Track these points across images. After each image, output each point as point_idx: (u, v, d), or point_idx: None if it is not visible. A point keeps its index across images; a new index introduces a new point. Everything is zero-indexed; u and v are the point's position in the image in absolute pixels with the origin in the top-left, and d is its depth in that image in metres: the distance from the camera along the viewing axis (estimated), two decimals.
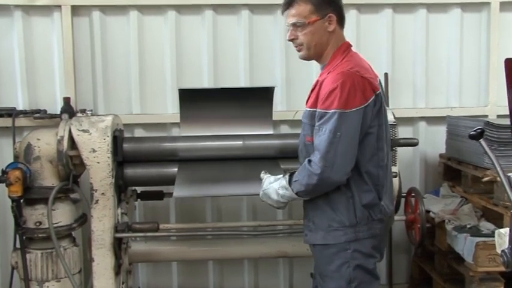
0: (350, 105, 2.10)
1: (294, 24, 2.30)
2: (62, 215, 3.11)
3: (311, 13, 2.25)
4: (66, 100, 3.79)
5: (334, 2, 2.29)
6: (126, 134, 3.52)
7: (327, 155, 2.11)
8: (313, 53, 2.36)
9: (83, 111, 3.37)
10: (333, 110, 2.11)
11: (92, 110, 3.59)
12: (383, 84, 4.03)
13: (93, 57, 3.95)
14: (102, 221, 2.99)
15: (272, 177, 2.42)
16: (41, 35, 3.91)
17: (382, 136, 2.22)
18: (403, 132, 3.94)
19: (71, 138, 3.03)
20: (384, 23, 4.17)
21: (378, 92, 2.19)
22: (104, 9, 3.92)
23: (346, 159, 2.12)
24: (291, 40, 2.35)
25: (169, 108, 3.99)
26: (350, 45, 2.38)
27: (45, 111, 3.83)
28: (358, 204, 2.21)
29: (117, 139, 3.05)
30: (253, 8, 4.03)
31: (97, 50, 3.94)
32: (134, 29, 3.94)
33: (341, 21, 2.34)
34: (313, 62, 3.94)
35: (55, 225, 3.03)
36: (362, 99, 2.12)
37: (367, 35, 4.16)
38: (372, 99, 2.16)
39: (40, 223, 3.04)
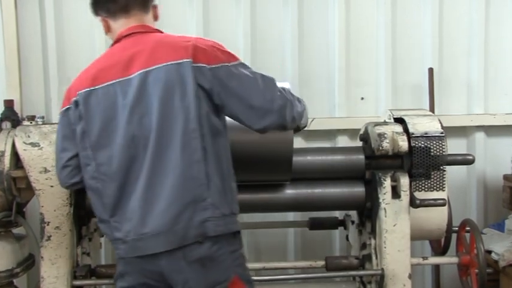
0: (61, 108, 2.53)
1: None
2: (1, 257, 3.10)
3: None
4: (8, 104, 3.82)
5: (93, 4, 2.62)
6: None
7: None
8: None
9: (31, 118, 3.39)
10: None
11: (43, 117, 3.58)
12: (427, 81, 4.14)
13: (45, 47, 3.99)
14: (56, 264, 2.99)
15: None
16: None
17: (88, 145, 2.44)
18: (455, 146, 3.92)
19: (15, 154, 3.04)
20: (428, 1, 4.21)
21: (78, 95, 2.44)
22: None
23: (57, 166, 2.58)
24: None
25: None
26: (121, 37, 2.54)
27: None
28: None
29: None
30: None
31: (50, 37, 3.98)
32: None
33: (103, 14, 2.58)
34: (336, 56, 4.00)
35: None
36: (65, 102, 2.51)
37: (407, 19, 4.22)
38: (70, 104, 2.48)
39: None
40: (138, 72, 2.37)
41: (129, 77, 2.38)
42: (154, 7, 2.62)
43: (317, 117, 4.05)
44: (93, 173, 2.42)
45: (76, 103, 2.43)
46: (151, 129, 2.34)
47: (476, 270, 3.16)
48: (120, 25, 2.54)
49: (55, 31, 3.98)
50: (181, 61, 2.35)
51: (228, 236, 2.37)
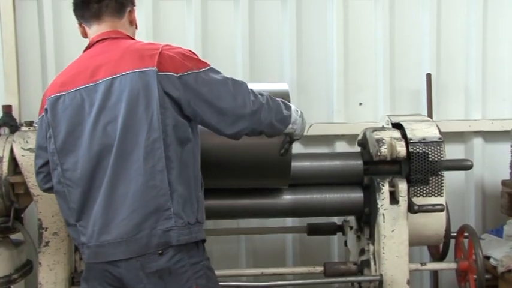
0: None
1: None
2: None
3: None
4: (6, 109, 3.82)
5: (73, 11, 2.62)
6: None
7: None
8: None
9: (30, 123, 3.38)
10: None
11: None
12: (425, 87, 4.15)
13: (43, 52, 4.00)
14: (54, 270, 3.00)
15: None
16: None
17: (54, 150, 2.46)
18: (453, 151, 3.93)
19: (13, 160, 3.05)
20: (426, 7, 4.23)
21: (47, 102, 2.47)
22: None
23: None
24: None
25: None
26: (92, 43, 2.56)
27: None
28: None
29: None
30: None
31: (48, 42, 3.99)
32: None
33: (79, 20, 2.61)
34: (334, 61, 3.98)
35: None
36: (40, 110, 2.55)
37: (405, 25, 4.24)
38: (43, 111, 2.52)
39: None
40: (104, 79, 2.36)
41: (95, 83, 2.37)
42: (131, 12, 2.61)
43: (315, 123, 4.06)
44: (59, 177, 2.44)
45: (46, 110, 2.47)
46: (115, 137, 2.33)
47: (475, 276, 3.17)
48: (94, 31, 2.55)
49: (53, 36, 3.98)
50: (145, 69, 2.32)
51: (191, 247, 2.36)
